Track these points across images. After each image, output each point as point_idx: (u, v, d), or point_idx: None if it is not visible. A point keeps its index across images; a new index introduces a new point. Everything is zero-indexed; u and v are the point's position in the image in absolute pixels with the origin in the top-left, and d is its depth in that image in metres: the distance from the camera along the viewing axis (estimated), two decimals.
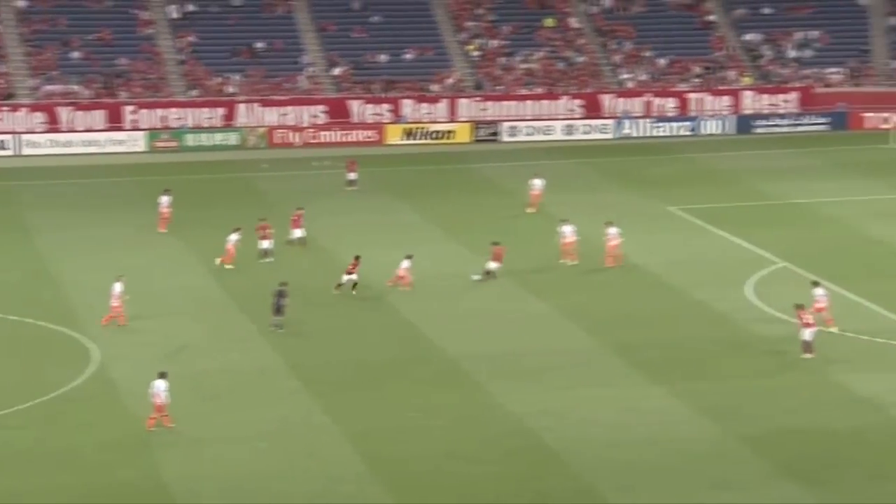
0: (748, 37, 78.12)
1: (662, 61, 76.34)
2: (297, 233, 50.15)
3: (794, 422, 34.10)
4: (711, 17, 79.15)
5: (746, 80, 75.11)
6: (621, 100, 73.09)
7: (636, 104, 73.09)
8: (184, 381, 35.78)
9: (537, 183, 55.79)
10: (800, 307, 38.62)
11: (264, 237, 48.41)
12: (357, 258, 44.72)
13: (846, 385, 36.35)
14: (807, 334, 38.08)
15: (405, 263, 45.05)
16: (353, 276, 44.43)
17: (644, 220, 54.33)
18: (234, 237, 47.70)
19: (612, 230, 47.08)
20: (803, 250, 49.13)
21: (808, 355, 38.00)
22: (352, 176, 60.22)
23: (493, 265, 45.99)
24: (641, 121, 72.21)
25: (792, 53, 77.10)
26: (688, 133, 72.09)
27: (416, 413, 34.91)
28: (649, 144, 70.40)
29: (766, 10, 79.39)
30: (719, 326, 41.52)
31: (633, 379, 37.21)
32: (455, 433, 33.72)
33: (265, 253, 48.26)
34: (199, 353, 39.43)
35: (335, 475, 31.44)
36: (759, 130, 72.45)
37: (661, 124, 72.26)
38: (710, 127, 72.36)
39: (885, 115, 71.36)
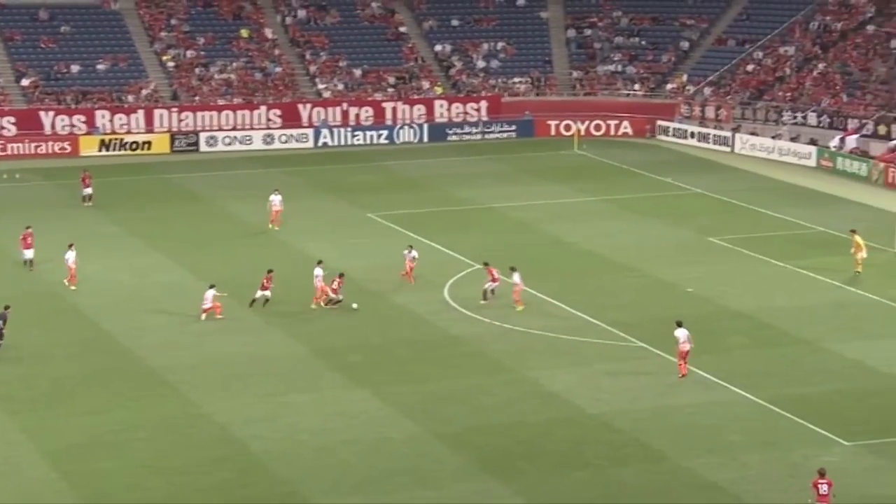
0: (438, 48, 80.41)
1: (357, 71, 77.66)
2: (28, 253, 48.05)
3: (490, 418, 35.61)
4: (403, 29, 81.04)
5: (438, 90, 77.33)
6: (318, 109, 73.94)
7: (333, 113, 74.14)
8: None
9: (276, 199, 54.92)
10: (486, 264, 45.04)
11: None
12: (270, 272, 43.79)
13: (538, 381, 38.18)
14: (488, 286, 44.38)
15: (209, 293, 42.98)
16: (267, 293, 43.34)
17: (346, 227, 55.30)
18: (71, 255, 46.10)
19: (412, 253, 47.53)
20: (495, 253, 51.02)
21: (483, 302, 44.06)
22: (87, 191, 58.50)
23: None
24: (339, 130, 73.26)
25: (480, 64, 79.81)
26: (384, 141, 73.60)
27: (117, 426, 34.54)
28: (348, 153, 71.50)
29: (455, 22, 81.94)
30: (419, 329, 42.78)
31: (337, 383, 37.96)
32: (158, 445, 33.58)
33: None
34: None
35: (32, 493, 30.82)
36: (451, 138, 74.66)
37: (358, 133, 73.50)
38: (406, 135, 74.10)
39: (568, 122, 74.95)
